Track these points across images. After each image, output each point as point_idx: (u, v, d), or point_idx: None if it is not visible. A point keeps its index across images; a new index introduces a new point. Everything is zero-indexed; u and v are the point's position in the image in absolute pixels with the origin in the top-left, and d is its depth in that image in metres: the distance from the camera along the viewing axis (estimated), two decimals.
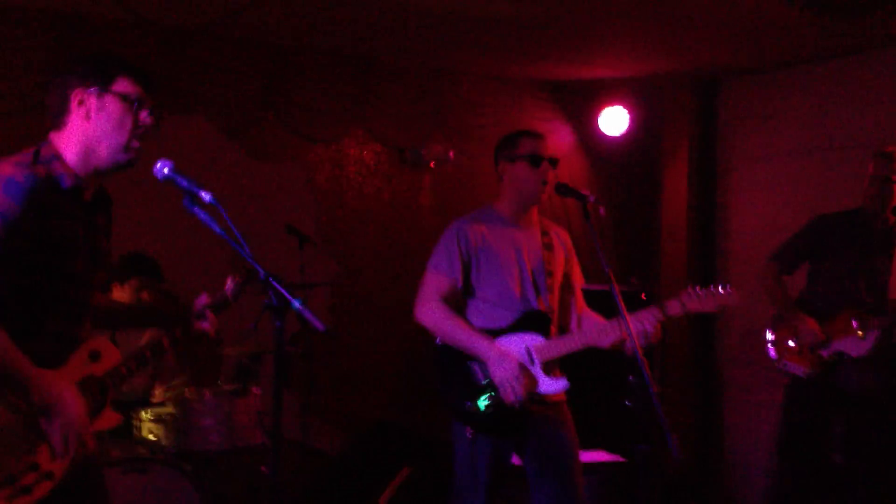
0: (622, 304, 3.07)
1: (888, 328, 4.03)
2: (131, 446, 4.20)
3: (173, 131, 5.48)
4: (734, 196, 6.46)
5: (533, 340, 3.35)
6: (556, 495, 3.31)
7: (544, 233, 3.57)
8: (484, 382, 3.30)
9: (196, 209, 2.39)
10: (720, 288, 3.27)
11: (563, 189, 3.42)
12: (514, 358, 3.25)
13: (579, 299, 3.63)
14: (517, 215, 3.53)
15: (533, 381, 3.29)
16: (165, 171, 2.44)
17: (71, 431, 2.37)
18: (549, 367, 3.36)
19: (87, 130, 2.45)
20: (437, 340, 3.42)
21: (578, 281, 3.64)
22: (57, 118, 2.47)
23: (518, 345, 3.33)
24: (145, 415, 4.44)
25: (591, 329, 3.38)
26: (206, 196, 2.38)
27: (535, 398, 3.32)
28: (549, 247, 3.53)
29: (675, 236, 6.62)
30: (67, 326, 2.49)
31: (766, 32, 5.30)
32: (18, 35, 4.95)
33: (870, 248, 4.18)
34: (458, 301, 3.45)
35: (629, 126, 6.63)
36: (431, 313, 3.37)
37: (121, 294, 4.71)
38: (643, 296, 5.71)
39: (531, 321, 3.39)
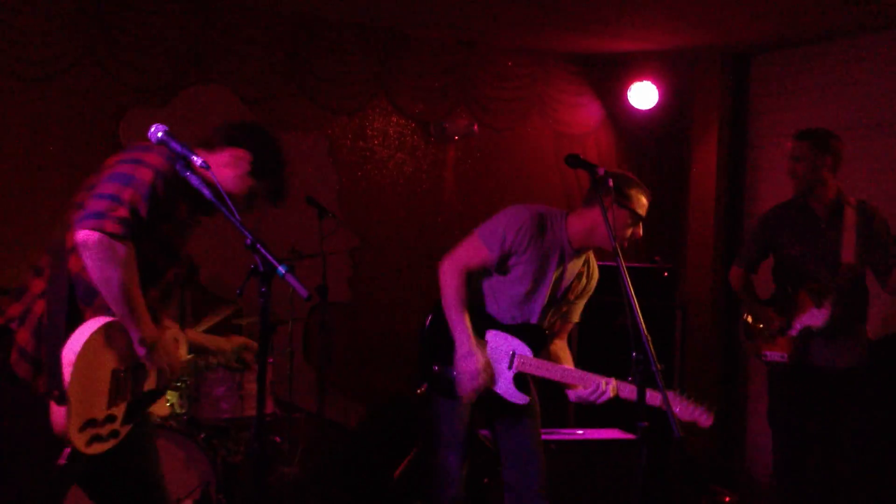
0: (628, 282, 2.99)
1: (841, 290, 4.12)
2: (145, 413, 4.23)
3: (196, 100, 5.52)
4: (764, 174, 6.32)
5: (522, 349, 3.41)
6: (516, 482, 3.48)
7: (585, 262, 3.58)
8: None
9: (188, 174, 2.38)
10: (701, 406, 3.40)
11: (573, 160, 3.32)
12: (479, 360, 3.31)
13: (566, 330, 3.68)
14: (581, 244, 3.46)
15: (492, 380, 3.37)
16: (159, 134, 2.46)
17: (171, 365, 2.64)
18: (521, 380, 3.43)
19: (221, 175, 2.57)
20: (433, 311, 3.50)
21: (575, 317, 3.65)
22: (207, 146, 2.72)
23: (506, 344, 3.41)
24: None
25: (574, 373, 3.42)
26: (197, 160, 2.38)
27: (489, 394, 3.40)
28: (579, 277, 3.55)
29: (703, 214, 6.50)
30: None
31: (798, 5, 5.15)
32: (42, 3, 4.99)
33: (816, 229, 4.25)
34: (488, 272, 3.47)
35: (658, 101, 6.50)
36: (451, 277, 3.39)
37: None
38: (665, 273, 5.62)
39: (530, 332, 3.45)
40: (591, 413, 5.10)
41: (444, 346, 3.40)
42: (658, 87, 6.48)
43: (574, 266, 3.50)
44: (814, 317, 4.17)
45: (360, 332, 5.92)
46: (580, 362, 5.38)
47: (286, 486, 4.72)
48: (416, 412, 4.75)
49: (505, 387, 3.39)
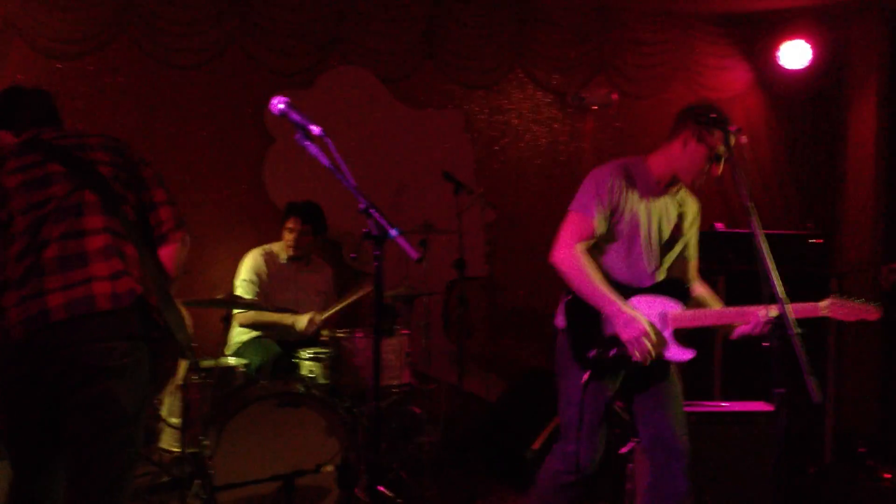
0: (761, 242, 2.86)
1: None
2: (290, 382, 4.40)
3: (337, 82, 5.67)
4: None
5: (670, 306, 3.30)
6: (661, 464, 3.31)
7: (682, 199, 3.46)
8: (613, 334, 3.25)
9: (307, 143, 2.44)
10: (865, 304, 3.19)
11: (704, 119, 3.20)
12: (641, 321, 3.20)
13: (693, 269, 3.54)
14: (665, 181, 3.38)
15: (662, 343, 3.26)
16: (280, 106, 2.51)
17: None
18: (679, 336, 3.31)
19: None
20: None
21: (694, 253, 3.53)
22: None
23: (655, 306, 3.29)
24: (304, 354, 4.66)
25: (730, 312, 3.29)
26: (315, 130, 2.44)
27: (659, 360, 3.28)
28: (684, 213, 3.44)
29: (862, 177, 6.10)
30: None
31: None
32: None
33: None
34: (598, 245, 3.36)
35: (812, 59, 6.15)
36: (570, 259, 3.27)
37: (287, 235, 4.98)
38: (820, 240, 5.32)
39: (671, 287, 3.34)
40: (738, 384, 4.95)
41: (590, 329, 3.29)
42: (811, 46, 6.12)
43: (671, 204, 3.40)
44: None
45: (499, 306, 5.93)
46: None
47: (426, 456, 4.80)
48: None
49: (669, 349, 3.27)
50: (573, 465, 3.27)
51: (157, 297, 2.53)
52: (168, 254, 2.67)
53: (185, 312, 2.64)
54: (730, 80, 6.42)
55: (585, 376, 3.22)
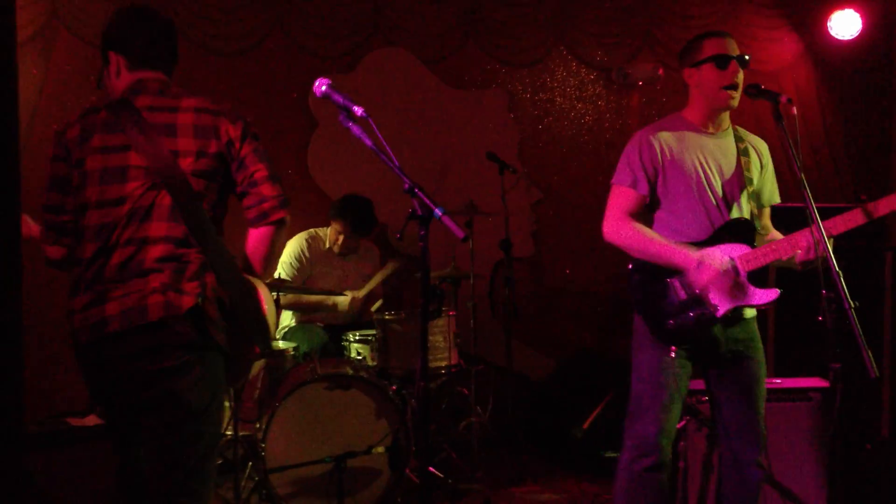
0: (815, 215, 2.82)
1: None
2: (339, 365, 4.44)
3: (377, 63, 5.67)
4: None
5: (737, 250, 3.12)
6: (737, 450, 3.17)
7: (739, 139, 3.31)
8: (686, 298, 3.12)
9: (350, 124, 2.44)
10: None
11: (753, 91, 3.14)
12: (713, 263, 3.07)
13: (766, 216, 3.38)
14: (707, 123, 3.28)
15: (741, 292, 3.09)
16: (323, 88, 2.52)
17: None
18: (757, 278, 3.13)
19: None
20: (630, 265, 3.25)
21: (770, 197, 3.36)
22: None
23: (720, 256, 3.10)
24: (352, 336, 4.69)
25: (791, 239, 3.09)
26: (358, 110, 2.43)
27: (737, 311, 3.12)
28: (745, 153, 3.27)
29: None
30: None
31: None
32: None
33: None
34: (645, 216, 3.28)
35: (862, 29, 5.99)
36: (621, 230, 3.21)
37: (333, 235, 5.05)
38: None
39: (734, 230, 3.16)
40: (792, 360, 4.87)
41: (662, 300, 3.14)
42: (861, 15, 5.97)
43: (725, 144, 3.27)
44: None
45: (545, 285, 5.91)
46: (778, 307, 5.14)
47: (476, 436, 4.81)
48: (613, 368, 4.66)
49: (750, 294, 3.10)
50: (644, 447, 3.12)
51: (231, 296, 2.45)
52: (261, 236, 2.56)
53: (269, 302, 2.59)
54: (779, 51, 6.28)
55: (672, 350, 3.09)
